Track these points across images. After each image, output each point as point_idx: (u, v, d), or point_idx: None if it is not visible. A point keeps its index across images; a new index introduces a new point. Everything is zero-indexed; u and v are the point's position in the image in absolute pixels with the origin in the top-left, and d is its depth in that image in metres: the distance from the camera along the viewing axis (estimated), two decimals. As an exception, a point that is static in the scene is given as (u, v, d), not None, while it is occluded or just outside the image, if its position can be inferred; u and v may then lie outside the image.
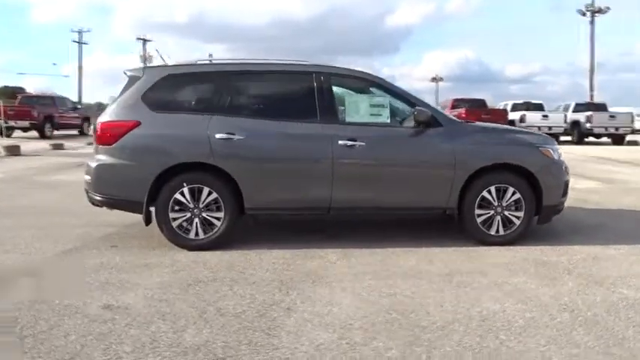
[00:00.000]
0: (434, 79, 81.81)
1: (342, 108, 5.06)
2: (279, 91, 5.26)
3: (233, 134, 4.80)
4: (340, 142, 4.86)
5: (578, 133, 21.91)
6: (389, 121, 5.07)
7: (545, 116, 21.99)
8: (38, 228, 5.80)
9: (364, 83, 5.27)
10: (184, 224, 4.84)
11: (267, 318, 3.36)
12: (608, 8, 38.46)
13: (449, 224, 5.56)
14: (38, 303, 3.55)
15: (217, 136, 4.80)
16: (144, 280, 4.06)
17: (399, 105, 5.22)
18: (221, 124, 4.84)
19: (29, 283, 4.08)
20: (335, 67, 5.20)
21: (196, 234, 4.86)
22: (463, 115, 20.87)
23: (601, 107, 23.52)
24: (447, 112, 21.43)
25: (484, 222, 5.10)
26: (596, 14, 38.74)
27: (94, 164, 4.89)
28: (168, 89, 5.05)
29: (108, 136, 4.83)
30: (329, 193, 4.90)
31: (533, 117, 21.72)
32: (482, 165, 5.01)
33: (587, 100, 31.62)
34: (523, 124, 21.31)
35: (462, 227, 5.20)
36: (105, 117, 4.92)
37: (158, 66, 5.25)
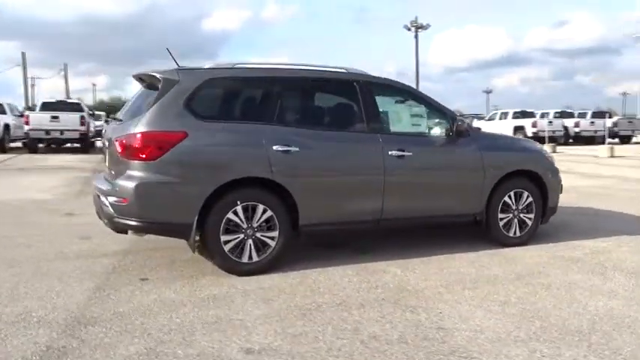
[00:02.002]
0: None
1: (385, 117, 4.98)
2: (326, 99, 4.98)
3: (290, 146, 4.41)
4: (390, 152, 4.78)
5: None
6: (427, 130, 5.12)
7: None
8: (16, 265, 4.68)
9: (397, 92, 5.23)
10: (236, 247, 4.32)
11: (435, 340, 3.18)
12: (429, 25, 43.11)
13: (447, 230, 5.78)
14: None
15: (275, 148, 4.37)
16: (246, 315, 3.55)
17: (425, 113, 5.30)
18: (276, 134, 4.42)
19: (91, 336, 3.28)
20: (372, 75, 5.08)
21: (249, 257, 4.36)
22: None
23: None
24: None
25: (504, 225, 5.42)
26: (420, 29, 43.09)
27: (130, 183, 4.09)
28: (212, 95, 4.47)
29: (151, 150, 4.09)
30: (380, 204, 4.79)
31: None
32: (509, 171, 5.32)
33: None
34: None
35: (487, 231, 5.44)
36: (142, 127, 4.14)
37: (197, 69, 4.58)
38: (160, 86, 4.30)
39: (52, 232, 5.97)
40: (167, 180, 4.12)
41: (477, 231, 5.60)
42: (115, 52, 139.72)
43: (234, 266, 4.33)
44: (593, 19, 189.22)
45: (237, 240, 4.31)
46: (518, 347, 3.09)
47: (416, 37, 43.48)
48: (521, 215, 5.49)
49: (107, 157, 4.66)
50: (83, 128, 19.05)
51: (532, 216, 5.54)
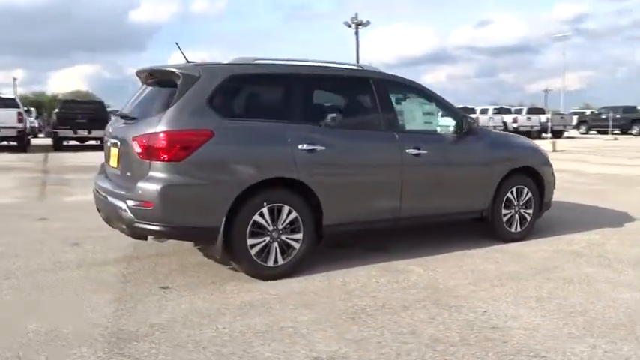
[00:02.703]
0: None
1: (400, 115, 4.94)
2: (345, 96, 4.87)
3: (315, 145, 4.28)
4: (407, 150, 4.75)
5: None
6: (438, 128, 5.13)
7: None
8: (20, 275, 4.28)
9: (408, 89, 5.19)
10: (262, 251, 4.16)
11: (497, 340, 3.18)
12: (369, 22, 43.71)
13: (443, 228, 5.80)
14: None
15: (300, 147, 4.23)
16: (294, 322, 3.41)
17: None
18: (301, 133, 4.27)
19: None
20: (384, 72, 5.02)
21: (275, 261, 4.21)
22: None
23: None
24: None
25: (507, 221, 5.54)
26: (360, 26, 43.59)
27: (155, 186, 3.82)
28: (234, 92, 4.25)
29: (177, 150, 3.83)
30: (398, 202, 4.75)
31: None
32: (513, 168, 5.44)
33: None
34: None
35: (491, 227, 5.52)
36: (165, 126, 3.87)
37: (215, 64, 4.34)
38: (179, 82, 4.05)
39: (34, 239, 5.52)
40: (194, 182, 3.89)
41: (473, 227, 5.71)
42: (33, 45, 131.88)
43: (260, 271, 4.16)
44: (514, 19, 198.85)
45: (263, 243, 4.14)
46: (577, 343, 3.14)
47: (356, 33, 43.97)
48: (522, 211, 5.63)
49: (117, 157, 4.34)
50: (21, 125, 17.82)
51: (531, 211, 5.70)
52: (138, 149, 3.95)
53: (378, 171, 4.67)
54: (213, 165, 3.95)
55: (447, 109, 5.25)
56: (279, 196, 4.18)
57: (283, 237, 4.22)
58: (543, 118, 28.53)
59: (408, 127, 4.95)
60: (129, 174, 4.09)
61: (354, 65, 4.88)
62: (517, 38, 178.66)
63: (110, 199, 4.18)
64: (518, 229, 5.63)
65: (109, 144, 4.55)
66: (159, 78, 4.44)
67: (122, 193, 4.01)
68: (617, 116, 32.36)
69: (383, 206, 4.72)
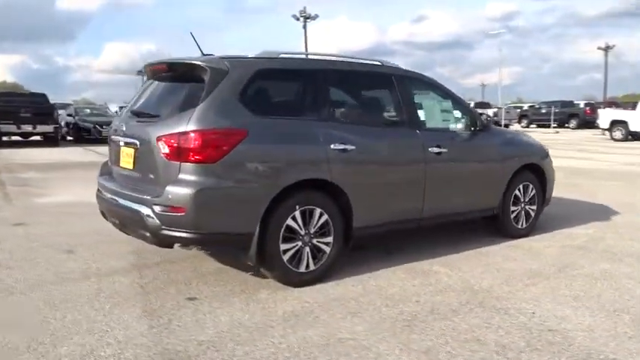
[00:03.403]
0: (139, 72, 78.93)
1: (421, 113, 4.82)
2: (370, 93, 4.69)
3: (346, 144, 4.10)
4: (430, 149, 4.65)
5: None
6: (455, 125, 5.06)
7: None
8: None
9: (425, 86, 5.07)
10: (294, 256, 3.95)
11: (562, 344, 3.13)
12: (317, 15, 43.58)
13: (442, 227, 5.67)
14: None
15: (332, 146, 4.03)
16: (351, 333, 3.23)
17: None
18: (332, 132, 4.08)
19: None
20: (404, 68, 4.88)
21: (306, 266, 4.01)
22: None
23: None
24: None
25: (514, 217, 5.57)
26: (309, 20, 43.43)
27: (188, 190, 3.51)
28: (264, 88, 3.99)
29: (211, 151, 3.54)
30: (422, 202, 4.65)
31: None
32: (521, 165, 5.46)
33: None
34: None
35: (500, 223, 5.52)
36: (197, 124, 3.56)
37: (242, 58, 4.05)
38: (206, 77, 3.75)
39: (21, 248, 5.05)
40: (229, 185, 3.62)
41: (472, 225, 5.71)
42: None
43: (293, 277, 3.95)
44: (449, 16, 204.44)
45: (295, 248, 3.93)
46: (638, 342, 3.14)
47: (304, 27, 43.76)
48: (527, 207, 5.67)
49: (134, 158, 3.99)
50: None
51: (535, 207, 5.75)
52: (165, 150, 3.62)
53: (403, 170, 4.54)
54: (248, 166, 3.70)
55: (461, 105, 5.19)
56: (311, 199, 3.97)
57: (314, 241, 4.02)
58: (491, 112, 29.35)
59: (428, 125, 4.85)
60: (152, 176, 3.76)
61: (375, 61, 4.70)
62: (451, 34, 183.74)
63: (126, 203, 3.84)
64: (524, 225, 5.67)
65: (121, 143, 4.16)
66: (178, 72, 4.11)
67: (145, 197, 3.68)
68: (556, 110, 33.83)
69: (407, 207, 4.60)
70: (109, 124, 20.32)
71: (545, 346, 3.08)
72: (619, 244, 5.37)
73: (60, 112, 21.37)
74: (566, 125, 34.27)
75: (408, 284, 4.11)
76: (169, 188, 3.55)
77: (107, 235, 5.47)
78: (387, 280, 4.19)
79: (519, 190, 5.54)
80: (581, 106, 35.47)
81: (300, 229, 3.93)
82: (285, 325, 3.33)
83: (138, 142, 3.89)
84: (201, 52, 4.25)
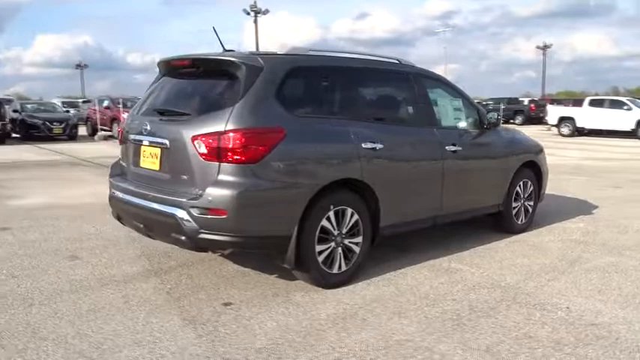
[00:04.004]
0: (78, 66, 76.18)
1: (437, 111, 4.85)
2: (393, 91, 4.65)
3: (375, 142, 4.06)
4: (447, 147, 4.69)
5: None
6: (466, 124, 5.12)
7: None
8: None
9: (437, 84, 5.08)
10: (328, 258, 3.89)
11: (610, 338, 3.22)
12: (268, 10, 43.19)
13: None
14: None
15: (364, 145, 3.98)
16: (405, 334, 3.21)
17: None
18: (362, 130, 4.03)
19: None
20: (419, 67, 4.88)
21: (339, 267, 3.96)
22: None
23: None
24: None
25: (516, 214, 5.71)
26: (259, 14, 42.99)
27: (230, 191, 3.37)
28: (298, 86, 3.89)
29: (252, 150, 3.42)
30: (440, 201, 4.69)
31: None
32: (524, 162, 5.59)
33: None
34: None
35: (502, 220, 5.63)
36: (236, 123, 3.42)
37: (274, 55, 3.91)
38: (241, 74, 3.62)
39: (18, 255, 4.73)
40: (270, 186, 3.51)
41: (471, 222, 5.77)
42: None
43: (327, 279, 3.89)
44: (390, 13, 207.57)
45: (329, 250, 3.87)
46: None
47: (255, 21, 43.29)
48: (526, 203, 5.82)
49: (160, 158, 3.79)
50: None
51: (532, 203, 5.92)
52: (202, 150, 3.47)
53: (425, 169, 4.56)
54: (288, 166, 3.60)
55: (470, 103, 5.26)
56: (344, 198, 3.92)
57: (346, 241, 3.97)
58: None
59: (443, 123, 4.88)
60: (185, 177, 3.59)
61: (392, 58, 4.68)
62: (393, 31, 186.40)
63: (155, 206, 3.65)
64: (524, 221, 5.82)
65: (145, 143, 3.93)
66: (207, 68, 3.93)
67: (180, 199, 3.51)
68: (503, 107, 34.99)
69: (427, 205, 4.62)
70: (60, 120, 19.51)
71: (595, 341, 3.16)
72: (613, 238, 5.59)
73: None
74: (512, 121, 35.49)
75: (436, 282, 4.13)
76: (209, 190, 3.41)
77: (106, 239, 5.26)
78: (415, 279, 4.20)
79: (520, 186, 5.68)
80: (526, 103, 36.85)
81: (334, 229, 3.87)
82: (336, 328, 3.27)
83: (167, 142, 3.70)
84: (223, 47, 4.10)
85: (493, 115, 5.37)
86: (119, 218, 4.24)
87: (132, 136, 4.11)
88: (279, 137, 3.52)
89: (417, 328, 3.30)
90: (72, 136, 19.46)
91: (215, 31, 4.09)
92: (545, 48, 60.97)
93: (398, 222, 4.37)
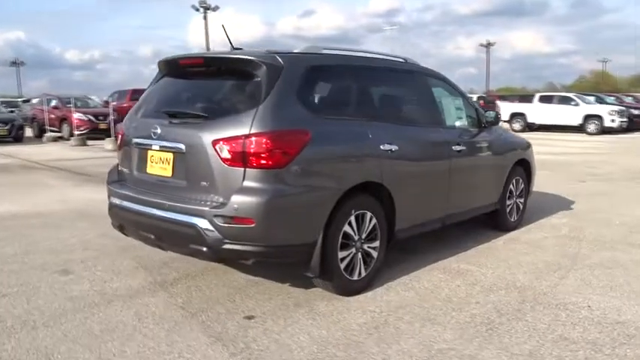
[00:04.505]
0: (14, 63, 72.77)
1: (442, 111, 4.80)
2: (403, 91, 4.54)
3: (392, 144, 3.97)
4: (453, 147, 4.66)
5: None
6: (466, 123, 5.10)
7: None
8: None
9: (440, 83, 5.01)
10: (349, 264, 3.77)
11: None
12: (218, 7, 42.35)
13: None
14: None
15: (382, 147, 3.88)
16: (444, 342, 3.13)
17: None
18: (379, 132, 3.92)
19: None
20: (423, 66, 4.81)
21: (359, 273, 3.84)
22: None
23: None
24: (128, 104, 20.23)
25: (509, 211, 5.76)
26: (209, 11, 42.12)
27: (257, 199, 3.18)
28: (316, 85, 3.73)
29: (279, 155, 3.23)
30: (447, 201, 4.65)
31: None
32: (516, 160, 5.65)
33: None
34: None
35: (497, 217, 5.65)
36: (261, 126, 3.22)
37: (293, 53, 3.72)
38: (260, 74, 3.42)
39: (2, 272, 4.34)
40: (297, 192, 3.34)
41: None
42: None
43: (348, 285, 3.77)
44: (335, 10, 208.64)
45: (350, 255, 3.74)
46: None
47: (205, 17, 42.40)
48: (517, 200, 5.89)
49: (173, 164, 3.55)
50: None
51: (522, 200, 5.99)
52: (225, 155, 3.25)
53: (436, 169, 4.51)
54: (314, 170, 3.45)
55: (469, 102, 5.25)
56: (363, 202, 3.80)
57: (365, 246, 3.86)
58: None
59: (448, 123, 4.84)
60: (204, 184, 3.36)
61: (399, 58, 4.59)
62: (337, 28, 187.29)
63: (169, 215, 3.41)
64: (515, 218, 5.89)
65: (154, 147, 3.65)
66: (222, 68, 3.70)
67: (201, 208, 3.29)
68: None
69: (438, 206, 4.58)
70: (5, 121, 18.37)
71: (628, 340, 3.18)
72: (600, 233, 5.72)
73: None
74: (462, 117, 36.41)
75: (452, 285, 4.09)
76: (235, 198, 3.20)
77: (94, 249, 4.95)
78: (431, 283, 4.13)
79: (513, 184, 5.74)
80: (474, 99, 37.81)
81: (355, 234, 3.75)
82: (373, 338, 3.16)
83: (183, 147, 3.45)
84: (232, 45, 3.90)
85: (490, 114, 5.39)
86: (121, 228, 3.96)
87: (136, 140, 3.83)
88: (305, 140, 3.36)
89: (452, 335, 3.22)
90: (18, 138, 18.40)
91: (224, 28, 3.88)
92: (488, 45, 62.86)
93: (412, 224, 4.29)
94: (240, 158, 3.22)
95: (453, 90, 5.12)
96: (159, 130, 3.58)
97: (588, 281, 4.20)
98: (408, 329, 3.29)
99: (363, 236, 3.83)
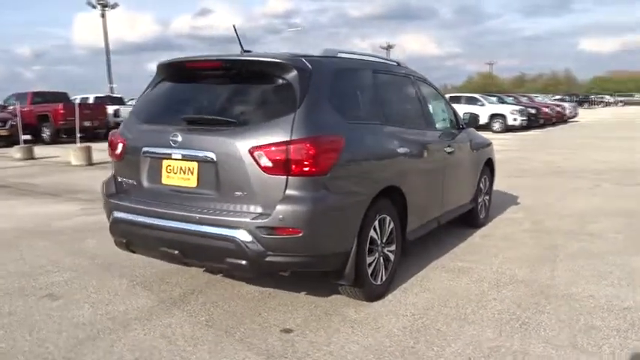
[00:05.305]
0: None
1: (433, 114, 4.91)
2: (405, 95, 4.54)
3: (405, 147, 4.00)
4: (445, 148, 4.79)
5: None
6: (449, 125, 5.26)
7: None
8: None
9: (427, 87, 5.09)
10: (375, 269, 3.75)
11: (652, 318, 3.53)
12: (117, 4, 40.37)
13: None
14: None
15: (399, 150, 3.89)
16: (494, 342, 3.21)
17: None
18: (394, 135, 3.93)
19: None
20: (413, 69, 4.89)
21: (381, 277, 3.84)
22: (61, 112, 18.54)
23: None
24: (29, 108, 18.68)
25: (480, 209, 6.03)
26: (107, 8, 40.09)
27: (304, 207, 3.06)
28: (343, 90, 3.63)
29: (323, 161, 3.13)
30: (442, 202, 4.78)
31: (127, 111, 21.34)
32: (486, 160, 5.92)
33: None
34: (119, 119, 20.76)
35: (472, 216, 5.88)
36: (303, 132, 3.09)
37: (318, 57, 3.58)
38: (291, 78, 3.29)
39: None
40: (337, 199, 3.26)
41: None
42: None
43: (373, 290, 3.75)
44: (232, 10, 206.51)
45: (375, 261, 3.73)
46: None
47: (103, 15, 40.26)
48: (485, 198, 6.18)
49: (198, 173, 3.31)
50: None
51: (488, 197, 6.29)
52: (265, 163, 3.09)
53: (434, 170, 4.60)
54: (350, 176, 3.40)
55: (448, 105, 5.42)
56: (384, 206, 3.79)
57: (385, 250, 3.86)
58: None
59: (438, 125, 4.96)
60: (239, 194, 3.17)
61: (392, 61, 4.64)
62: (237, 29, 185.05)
63: (201, 229, 3.19)
64: (484, 215, 6.17)
65: (175, 156, 3.35)
66: (241, 71, 3.49)
67: (239, 219, 3.10)
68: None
69: (436, 206, 4.69)
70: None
71: (645, 325, 3.44)
72: (559, 224, 6.14)
73: None
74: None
75: (462, 284, 4.20)
76: (280, 207, 3.06)
77: (70, 269, 4.61)
78: (441, 282, 4.22)
79: (482, 183, 6.00)
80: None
81: (378, 239, 3.74)
82: (423, 342, 3.17)
83: (212, 155, 3.22)
84: (242, 47, 3.73)
85: (466, 116, 5.58)
86: (128, 245, 3.63)
87: (147, 150, 3.52)
88: (341, 145, 3.29)
89: (493, 332, 3.31)
90: None
91: (235, 29, 3.69)
92: (388, 48, 65.26)
93: (418, 226, 4.36)
94: (283, 166, 3.09)
95: (437, 93, 5.26)
96: (180, 138, 3.33)
97: (577, 272, 4.47)
98: (449, 331, 3.33)
99: (384, 240, 3.82)
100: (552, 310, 3.65)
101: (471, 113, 5.76)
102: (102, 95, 23.60)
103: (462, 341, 3.18)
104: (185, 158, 3.35)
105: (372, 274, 3.70)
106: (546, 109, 27.08)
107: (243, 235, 3.09)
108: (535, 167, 11.49)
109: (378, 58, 4.42)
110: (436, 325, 3.42)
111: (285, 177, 3.10)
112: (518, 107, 24.00)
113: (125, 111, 21.36)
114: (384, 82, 4.21)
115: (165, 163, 3.45)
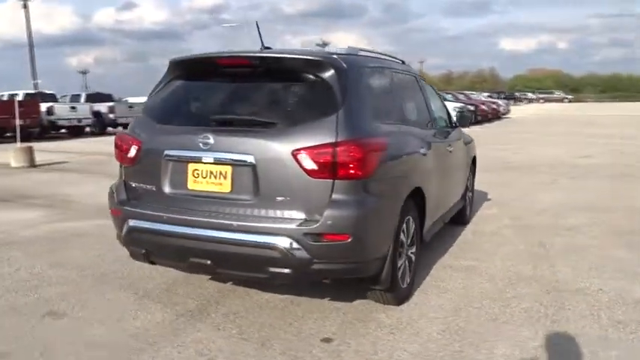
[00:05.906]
0: None
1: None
2: (415, 95, 4.47)
3: (423, 148, 3.96)
4: (447, 147, 4.81)
5: (101, 124, 21.81)
6: (444, 124, 5.28)
7: (73, 108, 20.64)
8: None
9: (425, 84, 5.09)
10: (403, 272, 3.70)
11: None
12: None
13: None
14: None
15: (421, 151, 3.85)
16: (532, 340, 3.23)
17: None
18: (413, 135, 3.88)
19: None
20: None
21: (406, 280, 3.79)
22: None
23: (108, 98, 23.65)
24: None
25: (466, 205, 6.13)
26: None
27: (352, 212, 2.94)
28: (373, 90, 3.52)
29: (369, 164, 3.03)
30: (446, 200, 4.80)
31: (61, 109, 20.10)
32: (471, 158, 6.02)
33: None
34: (53, 117, 19.57)
35: (460, 214, 5.94)
36: (349, 133, 2.97)
37: (346, 55, 3.43)
38: (328, 76, 3.15)
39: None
40: (381, 202, 3.17)
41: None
42: None
43: (400, 294, 3.69)
44: (158, 4, 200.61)
45: (403, 264, 3.67)
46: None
47: (25, 6, 37.96)
48: (468, 195, 6.28)
49: (231, 178, 3.10)
50: None
51: (471, 195, 6.40)
52: (309, 165, 2.94)
53: (442, 169, 4.59)
54: (389, 178, 3.31)
55: (442, 103, 5.45)
56: (409, 207, 3.73)
57: (409, 252, 3.81)
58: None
59: (438, 125, 4.96)
60: (281, 199, 2.99)
61: (397, 59, 4.58)
62: (162, 23, 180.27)
63: (239, 236, 2.99)
64: (469, 212, 6.27)
65: (206, 160, 3.11)
66: (273, 68, 3.29)
67: (283, 226, 2.94)
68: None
69: (442, 206, 4.69)
70: None
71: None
72: (537, 220, 6.35)
73: None
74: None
75: (475, 282, 4.22)
76: (328, 212, 2.92)
77: (59, 283, 4.29)
78: (454, 282, 4.23)
79: (469, 181, 6.10)
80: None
81: (406, 241, 3.68)
82: (467, 345, 3.15)
83: (251, 158, 3.02)
84: (263, 44, 3.55)
85: (457, 114, 5.64)
86: (148, 256, 3.36)
87: (170, 153, 3.25)
88: (384, 147, 3.21)
89: (529, 331, 3.34)
90: None
91: (257, 26, 3.50)
92: (324, 45, 65.58)
93: (432, 225, 4.34)
94: (329, 169, 2.95)
95: (433, 92, 5.27)
96: (211, 141, 3.10)
97: (575, 266, 4.62)
98: (487, 332, 3.33)
99: (408, 242, 3.77)
100: (572, 307, 3.73)
101: (462, 112, 5.83)
102: (33, 92, 22.17)
103: (505, 342, 3.18)
104: (217, 162, 3.13)
105: (400, 278, 3.64)
106: (483, 106, 28.15)
107: (286, 242, 2.94)
108: (488, 163, 11.80)
109: (388, 56, 4.36)
110: (471, 326, 3.40)
111: (331, 180, 2.97)
112: (459, 105, 24.77)
113: (60, 108, 20.19)
114: (400, 82, 4.16)
115: (191, 166, 3.21)
